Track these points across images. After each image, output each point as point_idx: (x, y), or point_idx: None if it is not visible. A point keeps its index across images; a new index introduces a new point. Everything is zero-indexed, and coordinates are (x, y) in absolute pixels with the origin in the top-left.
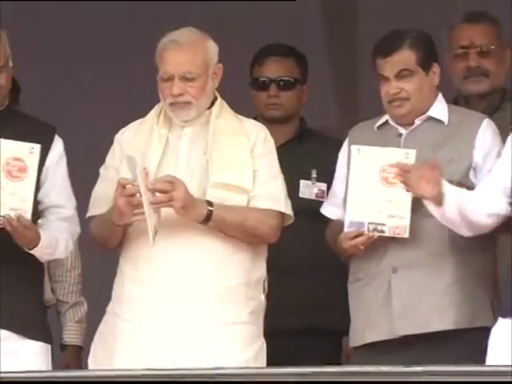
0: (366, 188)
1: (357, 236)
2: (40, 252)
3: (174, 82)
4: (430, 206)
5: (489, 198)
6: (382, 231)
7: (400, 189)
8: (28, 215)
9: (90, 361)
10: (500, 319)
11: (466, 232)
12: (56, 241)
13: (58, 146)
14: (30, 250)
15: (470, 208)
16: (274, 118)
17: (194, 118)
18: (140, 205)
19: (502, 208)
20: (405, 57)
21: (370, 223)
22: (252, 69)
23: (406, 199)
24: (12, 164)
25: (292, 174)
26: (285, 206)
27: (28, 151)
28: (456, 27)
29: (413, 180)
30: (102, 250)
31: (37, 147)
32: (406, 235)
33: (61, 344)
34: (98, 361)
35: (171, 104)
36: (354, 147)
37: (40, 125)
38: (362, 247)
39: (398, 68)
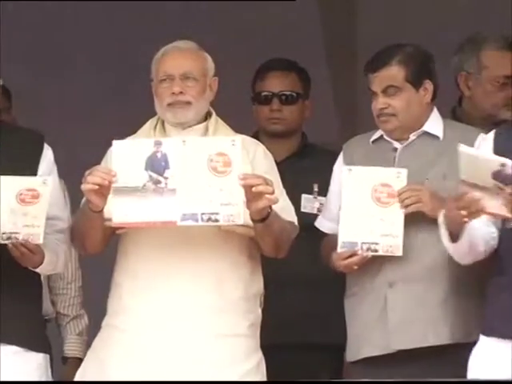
0: (359, 208)
1: (350, 256)
2: (42, 270)
3: (173, 82)
4: (445, 239)
5: (483, 226)
6: (376, 250)
7: (392, 208)
8: (41, 230)
9: (78, 375)
10: (482, 337)
11: (466, 260)
12: (56, 256)
13: (48, 155)
14: (34, 268)
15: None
16: (277, 133)
17: (191, 121)
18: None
19: (493, 237)
20: (392, 73)
21: (363, 243)
22: (254, 83)
23: (399, 218)
24: (25, 193)
25: (294, 189)
26: (296, 219)
27: (41, 182)
28: (490, 52)
29: (427, 198)
30: (82, 251)
31: (49, 179)
32: (400, 253)
33: (62, 356)
34: (87, 375)
35: (170, 104)
36: (345, 168)
37: (28, 134)
38: (356, 267)
39: (385, 84)
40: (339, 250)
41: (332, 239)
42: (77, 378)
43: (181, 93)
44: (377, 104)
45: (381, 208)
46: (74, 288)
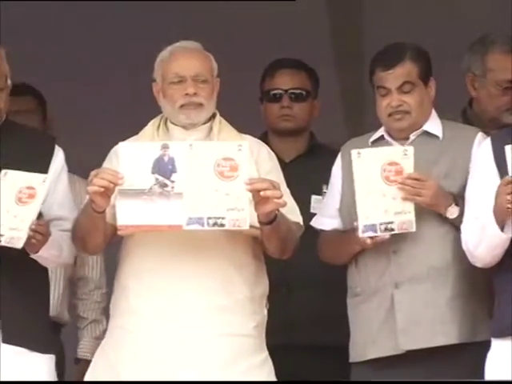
0: (371, 190)
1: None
2: (46, 253)
3: (186, 83)
4: (493, 227)
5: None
6: (392, 229)
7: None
8: (23, 234)
9: (87, 376)
10: (494, 341)
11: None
12: (59, 245)
13: (58, 156)
14: (36, 252)
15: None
16: (286, 130)
17: (201, 122)
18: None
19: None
20: (407, 69)
21: (380, 224)
22: (263, 82)
23: None
24: (24, 192)
25: (303, 189)
26: (301, 220)
27: (41, 181)
28: (496, 56)
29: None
30: (82, 251)
31: (48, 177)
32: (413, 229)
33: (75, 358)
34: (97, 376)
35: (182, 106)
36: (353, 151)
37: (39, 136)
38: (371, 246)
39: (401, 80)
40: (361, 234)
41: (330, 234)
42: (87, 379)
43: (195, 94)
44: (391, 101)
45: (390, 187)
46: (97, 294)
